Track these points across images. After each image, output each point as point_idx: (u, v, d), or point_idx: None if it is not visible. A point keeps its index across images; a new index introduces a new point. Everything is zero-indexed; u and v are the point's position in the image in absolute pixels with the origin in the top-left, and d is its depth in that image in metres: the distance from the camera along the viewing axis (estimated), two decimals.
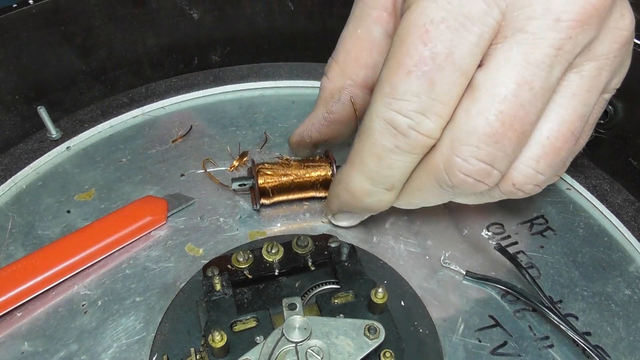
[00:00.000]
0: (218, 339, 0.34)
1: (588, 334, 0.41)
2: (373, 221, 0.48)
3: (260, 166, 0.47)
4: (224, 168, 0.52)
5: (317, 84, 0.61)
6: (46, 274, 0.42)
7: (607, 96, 0.40)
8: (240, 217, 0.48)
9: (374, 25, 0.43)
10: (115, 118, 0.57)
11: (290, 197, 0.48)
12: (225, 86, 0.61)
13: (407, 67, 0.34)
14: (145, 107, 0.58)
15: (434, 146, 0.37)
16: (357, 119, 0.46)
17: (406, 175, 0.39)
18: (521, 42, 0.33)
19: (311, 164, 0.48)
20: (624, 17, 0.36)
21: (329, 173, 0.47)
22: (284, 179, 0.47)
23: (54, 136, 0.54)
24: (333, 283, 0.42)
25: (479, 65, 0.35)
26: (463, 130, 0.35)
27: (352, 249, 0.42)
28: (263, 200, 0.48)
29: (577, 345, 0.40)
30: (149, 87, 0.60)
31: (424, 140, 0.36)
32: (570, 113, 0.36)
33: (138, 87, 0.60)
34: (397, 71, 0.35)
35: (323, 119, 0.47)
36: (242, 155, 0.54)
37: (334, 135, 0.48)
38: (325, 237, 0.43)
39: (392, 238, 0.47)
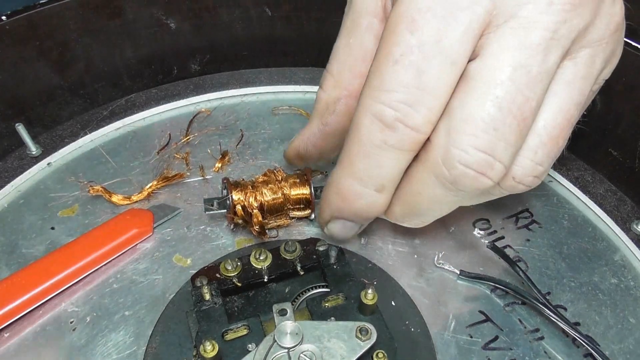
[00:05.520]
0: (209, 349, 0.34)
1: (577, 324, 0.42)
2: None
3: (238, 198, 0.45)
4: (210, 177, 0.52)
5: (297, 88, 0.62)
6: (32, 293, 0.42)
7: (596, 87, 0.39)
8: (227, 225, 0.48)
9: (366, 33, 0.41)
10: (96, 132, 0.56)
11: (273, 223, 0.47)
12: (205, 94, 0.61)
13: (394, 57, 0.33)
14: (125, 119, 0.57)
15: (429, 142, 0.35)
16: None
17: (397, 176, 0.38)
18: (515, 27, 0.33)
19: (292, 181, 0.47)
20: (615, 3, 0.36)
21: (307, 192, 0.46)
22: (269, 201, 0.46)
23: (33, 153, 0.53)
24: (323, 287, 0.41)
25: (473, 58, 0.34)
26: (459, 119, 0.33)
27: (340, 251, 0.42)
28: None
29: (567, 335, 0.40)
30: (128, 99, 0.60)
31: (412, 135, 0.34)
32: (566, 101, 0.35)
33: (118, 100, 0.59)
34: (385, 62, 0.34)
35: (318, 132, 0.45)
36: (224, 155, 0.54)
37: (330, 148, 0.46)
38: (313, 241, 0.43)
39: (380, 239, 0.47)
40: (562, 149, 0.37)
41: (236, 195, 0.45)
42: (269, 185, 0.46)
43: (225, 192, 0.46)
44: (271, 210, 0.46)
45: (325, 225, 0.44)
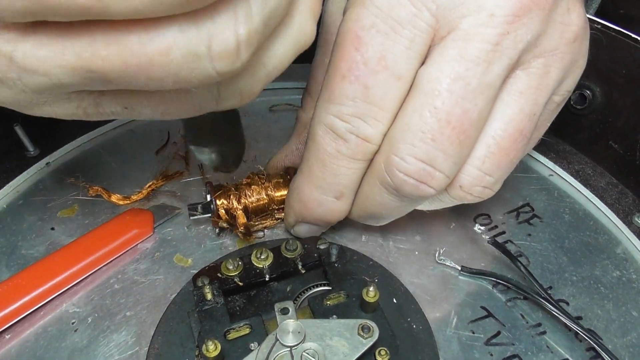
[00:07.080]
0: (212, 349, 0.34)
1: (579, 318, 0.42)
2: None
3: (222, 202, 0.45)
4: (209, 175, 0.52)
5: (296, 85, 0.62)
6: (33, 294, 0.41)
7: (558, 99, 0.39)
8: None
9: None
10: (94, 131, 0.56)
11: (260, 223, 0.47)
12: None
13: (342, 72, 0.34)
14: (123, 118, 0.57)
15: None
16: None
17: (354, 183, 0.38)
18: (456, 38, 0.33)
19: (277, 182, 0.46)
20: (570, 12, 0.35)
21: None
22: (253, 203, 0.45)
23: (32, 153, 0.53)
24: (324, 285, 0.41)
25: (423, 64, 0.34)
26: (399, 128, 0.34)
27: (341, 249, 0.42)
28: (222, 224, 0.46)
29: (570, 330, 0.40)
30: None
31: (365, 145, 0.36)
32: (517, 111, 0.35)
33: None
34: (333, 76, 0.35)
35: (296, 150, 0.47)
36: None
37: None
38: (314, 240, 0.43)
39: (381, 236, 0.47)
40: (514, 161, 0.37)
41: (219, 199, 0.45)
42: (252, 187, 0.46)
43: (209, 196, 0.46)
44: (256, 212, 0.46)
45: (291, 228, 0.45)
